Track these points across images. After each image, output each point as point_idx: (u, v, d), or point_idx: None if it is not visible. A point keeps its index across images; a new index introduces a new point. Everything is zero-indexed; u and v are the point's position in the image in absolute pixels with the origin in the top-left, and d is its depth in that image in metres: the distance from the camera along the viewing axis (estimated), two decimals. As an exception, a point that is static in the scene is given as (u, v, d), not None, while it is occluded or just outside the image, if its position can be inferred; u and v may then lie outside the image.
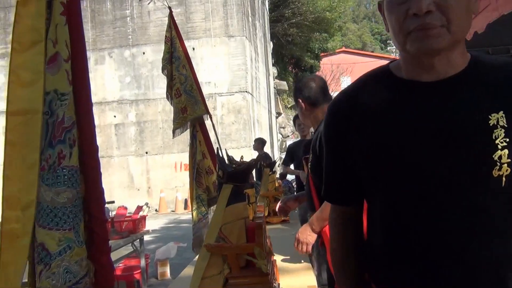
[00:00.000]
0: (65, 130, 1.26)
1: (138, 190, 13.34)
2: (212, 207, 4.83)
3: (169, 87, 4.45)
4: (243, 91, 13.04)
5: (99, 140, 15.00)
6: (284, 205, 3.00)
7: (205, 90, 13.40)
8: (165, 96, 14.17)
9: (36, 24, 1.32)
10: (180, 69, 4.47)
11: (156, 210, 13.07)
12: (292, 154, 4.59)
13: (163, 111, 13.14)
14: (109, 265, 1.34)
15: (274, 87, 20.39)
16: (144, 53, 13.05)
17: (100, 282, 1.30)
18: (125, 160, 13.31)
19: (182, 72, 4.49)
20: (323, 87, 2.49)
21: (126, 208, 4.20)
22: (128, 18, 13.12)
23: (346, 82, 39.58)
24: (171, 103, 4.65)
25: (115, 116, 13.26)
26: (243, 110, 13.07)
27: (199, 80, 14.57)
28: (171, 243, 5.18)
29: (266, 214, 3.60)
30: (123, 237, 3.72)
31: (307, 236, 2.26)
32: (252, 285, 1.26)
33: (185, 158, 13.06)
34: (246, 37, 13.10)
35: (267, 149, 10.67)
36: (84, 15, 13.55)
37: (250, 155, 13.09)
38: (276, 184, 3.81)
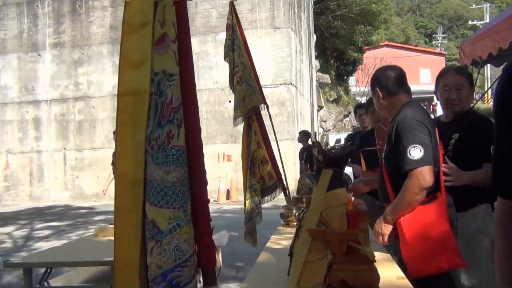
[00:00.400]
0: (173, 111, 1.27)
1: (181, 179, 13.56)
2: (266, 197, 4.84)
3: (231, 74, 4.49)
4: (288, 84, 12.98)
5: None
6: (355, 186, 3.08)
7: (250, 82, 13.43)
8: (209, 87, 14.52)
9: (144, 6, 1.34)
10: (240, 57, 4.49)
11: (198, 200, 13.28)
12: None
13: (207, 102, 13.27)
14: (212, 246, 1.35)
15: (316, 80, 20.18)
16: (190, 44, 13.18)
17: (203, 262, 1.31)
18: (169, 149, 13.55)
19: (242, 60, 4.50)
20: (401, 77, 2.47)
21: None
22: (176, 9, 13.28)
23: (388, 76, 38.59)
24: (233, 91, 4.69)
25: (160, 106, 13.49)
26: (287, 102, 13.03)
27: (244, 71, 14.01)
28: (224, 231, 5.23)
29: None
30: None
31: (382, 227, 2.28)
32: (359, 271, 1.23)
33: (228, 149, 13.22)
34: (292, 29, 13.01)
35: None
36: (133, 6, 13.85)
37: (293, 148, 13.05)
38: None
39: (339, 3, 19.74)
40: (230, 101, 13.15)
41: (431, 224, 2.17)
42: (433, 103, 41.58)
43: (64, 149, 14.25)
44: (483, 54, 4.93)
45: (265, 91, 13.79)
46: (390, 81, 2.43)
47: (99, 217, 10.28)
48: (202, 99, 13.33)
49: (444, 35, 62.81)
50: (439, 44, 55.88)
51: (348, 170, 5.07)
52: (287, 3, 12.93)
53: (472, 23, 42.97)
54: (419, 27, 70.15)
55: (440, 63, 45.77)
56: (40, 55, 14.39)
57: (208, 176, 8.39)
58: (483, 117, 2.79)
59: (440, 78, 2.84)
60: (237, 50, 4.46)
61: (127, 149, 1.22)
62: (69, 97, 14.21)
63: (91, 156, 13.78)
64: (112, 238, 3.05)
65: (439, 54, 47.17)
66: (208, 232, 1.35)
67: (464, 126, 2.66)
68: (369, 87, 2.70)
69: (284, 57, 12.93)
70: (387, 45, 38.27)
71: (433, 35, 62.77)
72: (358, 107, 4.66)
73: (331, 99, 23.01)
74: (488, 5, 40.46)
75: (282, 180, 4.84)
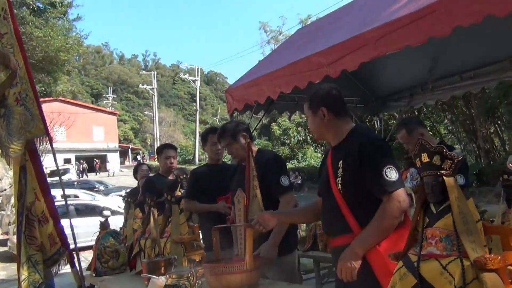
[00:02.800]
0: None
1: None
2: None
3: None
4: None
5: None
6: (261, 218, 2.34)
7: None
8: None
9: None
10: (17, 65, 3.05)
11: None
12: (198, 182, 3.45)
13: None
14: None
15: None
16: None
17: None
18: None
19: (18, 71, 3.07)
20: (343, 98, 2.34)
21: None
22: None
23: (61, 134, 36.32)
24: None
25: None
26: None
27: None
28: None
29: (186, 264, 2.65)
30: None
31: (352, 261, 1.99)
32: None
33: None
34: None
35: None
36: None
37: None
38: (189, 227, 2.86)
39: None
40: None
41: None
42: (96, 161, 41.55)
43: None
44: (260, 99, 5.09)
45: None
46: (338, 102, 2.28)
47: None
48: None
49: (115, 95, 65.66)
50: (110, 104, 57.77)
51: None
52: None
53: (142, 87, 46.58)
54: (86, 86, 70.52)
55: (112, 121, 47.00)
56: None
57: None
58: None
59: None
60: (12, 53, 3.03)
61: None
62: None
63: None
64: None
65: (112, 113, 48.45)
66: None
67: None
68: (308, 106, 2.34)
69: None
70: (60, 100, 36.33)
71: (104, 95, 64.57)
72: (212, 131, 3.63)
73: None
74: (155, 72, 44.98)
75: (69, 245, 3.51)
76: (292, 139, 29.23)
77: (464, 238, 1.14)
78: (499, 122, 15.22)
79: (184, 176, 3.56)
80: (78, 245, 3.48)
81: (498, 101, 13.29)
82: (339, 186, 2.09)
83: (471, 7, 3.01)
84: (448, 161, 1.29)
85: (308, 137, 27.53)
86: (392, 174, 1.94)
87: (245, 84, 5.41)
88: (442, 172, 1.29)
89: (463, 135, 16.47)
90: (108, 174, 38.52)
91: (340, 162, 2.10)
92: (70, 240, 3.45)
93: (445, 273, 1.18)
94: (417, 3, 3.54)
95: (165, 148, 4.47)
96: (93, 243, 3.72)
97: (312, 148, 29.09)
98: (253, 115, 5.88)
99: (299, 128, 28.59)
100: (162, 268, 2.43)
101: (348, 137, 2.19)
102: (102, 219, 3.96)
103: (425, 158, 1.33)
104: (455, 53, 5.29)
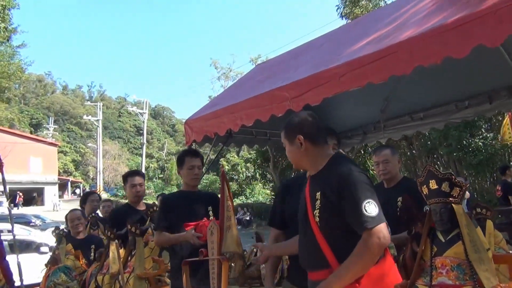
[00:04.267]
0: None
1: None
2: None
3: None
4: None
5: None
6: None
7: None
8: None
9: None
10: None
11: None
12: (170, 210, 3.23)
13: None
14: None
15: None
16: None
17: None
18: None
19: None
20: (322, 125, 2.22)
21: None
22: None
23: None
24: None
25: None
26: None
27: None
28: None
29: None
30: None
31: None
32: None
33: None
34: None
35: None
36: None
37: None
38: (153, 261, 2.69)
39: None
40: None
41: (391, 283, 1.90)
42: (20, 194, 38.97)
43: None
44: (220, 131, 5.04)
45: None
46: (315, 129, 2.16)
47: None
48: None
49: (56, 126, 63.04)
50: (51, 135, 55.33)
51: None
52: None
53: (86, 118, 45.07)
54: (24, 115, 67.38)
55: (52, 152, 44.87)
56: None
57: None
58: None
59: None
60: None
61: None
62: None
63: None
64: None
65: (52, 144, 46.30)
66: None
67: None
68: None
69: None
70: (-4, 129, 34.29)
71: (45, 125, 61.84)
72: (190, 154, 3.60)
73: None
74: (100, 103, 43.80)
75: (14, 282, 3.21)
76: (241, 175, 29.18)
77: (477, 267, 1.13)
78: (438, 163, 16.03)
79: (155, 208, 3.37)
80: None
81: (438, 143, 14.03)
82: (317, 219, 1.98)
83: (431, 48, 3.17)
84: (457, 188, 1.29)
85: (257, 173, 27.53)
86: (371, 209, 1.85)
87: (205, 116, 5.36)
88: (451, 199, 1.28)
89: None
90: (54, 208, 36.32)
91: (318, 194, 2.00)
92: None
93: (461, 303, 1.16)
94: (379, 43, 3.70)
95: (129, 176, 4.12)
96: (31, 281, 3.45)
97: (260, 184, 29.12)
98: (212, 147, 5.79)
99: (248, 164, 28.64)
100: (126, 306, 2.25)
101: (327, 166, 2.07)
102: (40, 256, 3.68)
103: (433, 185, 1.32)
104: (406, 94, 5.55)
